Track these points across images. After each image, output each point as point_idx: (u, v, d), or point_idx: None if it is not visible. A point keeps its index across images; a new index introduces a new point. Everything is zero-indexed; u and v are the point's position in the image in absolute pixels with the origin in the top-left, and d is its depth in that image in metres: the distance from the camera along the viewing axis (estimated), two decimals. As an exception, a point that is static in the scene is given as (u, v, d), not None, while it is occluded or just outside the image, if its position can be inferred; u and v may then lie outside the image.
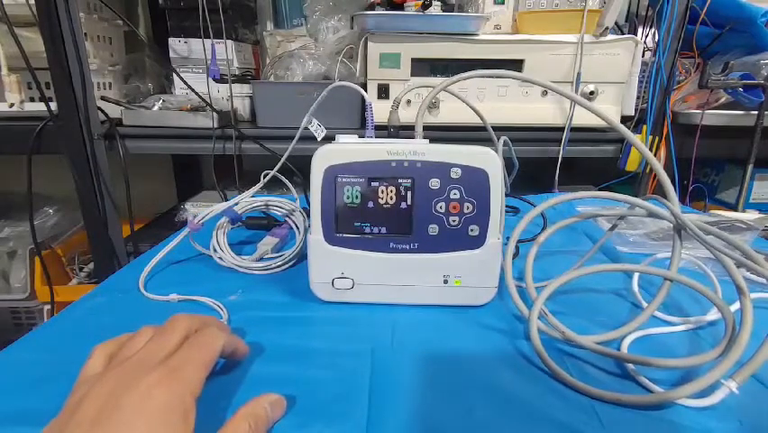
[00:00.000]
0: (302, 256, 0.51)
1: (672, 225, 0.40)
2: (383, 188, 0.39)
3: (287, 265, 0.50)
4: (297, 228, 0.56)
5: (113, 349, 0.28)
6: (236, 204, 0.53)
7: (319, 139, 0.49)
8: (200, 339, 0.28)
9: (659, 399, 0.30)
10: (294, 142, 0.48)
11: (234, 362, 0.33)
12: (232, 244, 0.52)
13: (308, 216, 0.52)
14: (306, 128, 0.50)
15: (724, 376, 0.29)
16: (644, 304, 0.43)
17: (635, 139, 0.43)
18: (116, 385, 0.23)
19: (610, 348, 0.35)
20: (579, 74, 0.91)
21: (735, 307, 0.37)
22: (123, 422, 0.21)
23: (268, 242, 0.54)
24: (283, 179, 0.55)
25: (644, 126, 0.95)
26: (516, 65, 0.92)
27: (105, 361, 0.27)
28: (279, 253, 0.51)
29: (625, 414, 0.29)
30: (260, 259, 0.51)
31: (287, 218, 0.58)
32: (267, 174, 0.54)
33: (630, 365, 0.33)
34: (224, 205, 0.51)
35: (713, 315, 0.40)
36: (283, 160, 0.51)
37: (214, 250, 0.51)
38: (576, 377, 0.32)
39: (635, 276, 0.47)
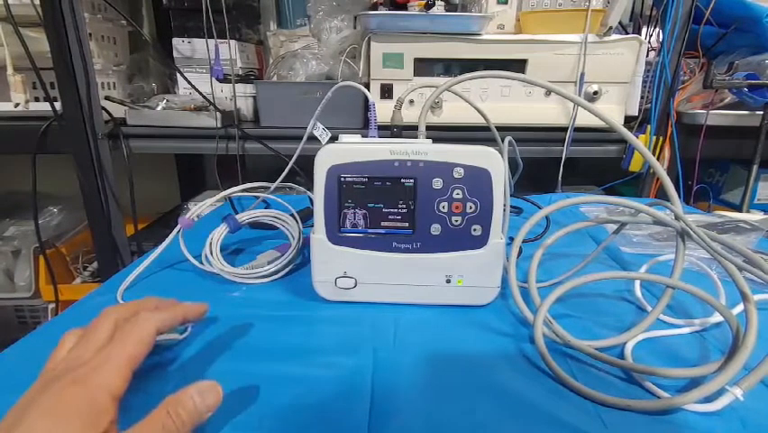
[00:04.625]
0: (297, 263, 0.50)
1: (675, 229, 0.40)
2: (386, 187, 0.39)
3: (284, 272, 0.48)
4: (292, 236, 0.52)
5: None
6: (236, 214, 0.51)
7: (323, 143, 0.50)
8: (125, 332, 0.27)
9: (665, 405, 0.29)
10: (300, 146, 0.48)
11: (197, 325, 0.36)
12: (232, 243, 0.51)
13: (302, 220, 0.52)
14: (312, 133, 0.50)
15: (729, 383, 0.29)
16: (648, 306, 0.42)
17: (637, 141, 0.42)
18: (35, 392, 0.23)
19: (616, 353, 0.35)
20: (582, 74, 0.91)
21: (739, 309, 0.37)
22: (27, 426, 0.21)
23: (268, 255, 0.51)
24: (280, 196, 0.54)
25: (648, 126, 0.95)
26: (520, 65, 0.92)
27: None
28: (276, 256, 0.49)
29: (627, 416, 0.29)
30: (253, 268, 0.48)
31: (281, 226, 0.54)
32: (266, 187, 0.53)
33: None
34: (213, 199, 0.50)
35: (718, 316, 0.40)
36: (291, 165, 0.51)
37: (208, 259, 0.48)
38: (580, 380, 0.32)
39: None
